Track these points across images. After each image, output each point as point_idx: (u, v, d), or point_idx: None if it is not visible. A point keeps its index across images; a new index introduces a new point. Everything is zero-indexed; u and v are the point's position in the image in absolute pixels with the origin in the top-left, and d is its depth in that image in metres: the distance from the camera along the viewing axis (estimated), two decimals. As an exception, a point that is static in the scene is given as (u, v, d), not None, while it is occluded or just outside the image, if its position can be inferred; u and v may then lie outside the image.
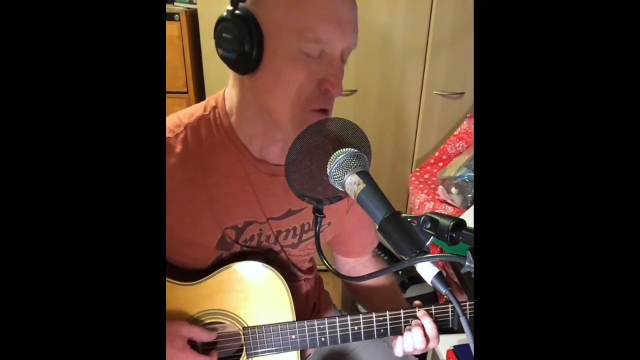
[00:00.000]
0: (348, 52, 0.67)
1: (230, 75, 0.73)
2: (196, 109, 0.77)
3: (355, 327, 0.79)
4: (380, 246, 1.75)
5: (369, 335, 0.80)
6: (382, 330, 0.79)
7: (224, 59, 0.67)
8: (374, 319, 0.79)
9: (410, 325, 0.79)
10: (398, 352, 0.79)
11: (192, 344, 0.76)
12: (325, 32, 0.61)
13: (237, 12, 0.63)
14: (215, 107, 0.75)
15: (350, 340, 0.80)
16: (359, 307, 1.57)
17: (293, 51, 0.62)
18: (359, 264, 1.01)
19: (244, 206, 0.77)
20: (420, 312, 0.79)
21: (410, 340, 0.77)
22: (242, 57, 0.64)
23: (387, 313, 0.79)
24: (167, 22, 1.64)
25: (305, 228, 0.85)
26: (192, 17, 1.72)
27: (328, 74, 0.64)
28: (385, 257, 1.70)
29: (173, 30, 1.67)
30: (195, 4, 1.73)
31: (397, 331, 0.80)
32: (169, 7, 1.75)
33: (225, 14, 0.64)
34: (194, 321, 0.78)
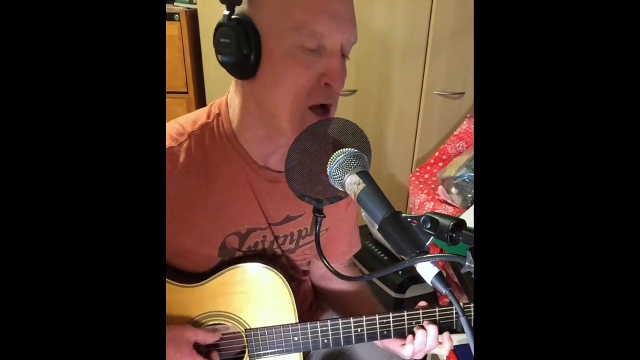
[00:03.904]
0: (349, 46, 0.66)
1: (232, 82, 0.73)
2: (199, 116, 0.76)
3: (359, 329, 0.79)
4: (380, 246, 1.75)
5: (372, 337, 0.79)
6: (385, 332, 0.79)
7: (223, 64, 0.67)
8: (377, 321, 0.78)
9: (417, 325, 0.78)
10: (407, 353, 0.78)
11: (196, 347, 0.75)
12: (321, 25, 0.62)
13: (233, 16, 0.63)
14: (218, 114, 0.75)
15: (354, 342, 0.79)
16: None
17: (290, 48, 0.62)
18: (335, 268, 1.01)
19: (247, 212, 0.77)
20: (425, 322, 0.78)
21: (423, 338, 0.76)
22: (241, 61, 0.64)
23: (390, 315, 0.78)
24: (167, 22, 1.64)
25: (302, 234, 0.86)
26: (192, 17, 1.72)
27: (327, 68, 0.64)
28: (385, 257, 1.70)
29: (173, 30, 1.66)
30: (195, 4, 1.73)
31: (401, 333, 0.79)
32: (169, 7, 1.74)
33: (222, 19, 0.65)
34: (196, 323, 0.78)
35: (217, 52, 0.67)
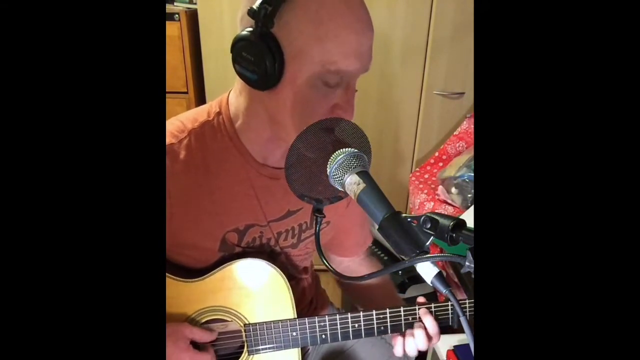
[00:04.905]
0: (359, 75, 0.68)
1: (237, 82, 0.73)
2: (199, 114, 0.77)
3: (356, 325, 0.80)
4: (380, 246, 1.75)
5: (369, 332, 0.80)
6: (382, 328, 0.80)
7: (241, 76, 0.66)
8: (374, 317, 0.79)
9: (412, 324, 0.79)
10: (398, 351, 0.79)
11: (194, 343, 0.76)
12: (347, 65, 0.63)
13: (261, 34, 0.62)
14: (219, 113, 0.76)
15: (351, 337, 0.80)
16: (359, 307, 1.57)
17: (312, 78, 0.63)
18: (354, 262, 1.02)
19: (246, 209, 0.78)
20: (422, 311, 0.79)
21: (413, 343, 0.77)
22: (262, 78, 0.64)
23: (387, 310, 0.79)
24: (167, 22, 1.64)
25: (303, 227, 0.86)
26: (192, 17, 1.72)
27: (342, 100, 0.65)
28: (385, 257, 1.70)
29: (173, 30, 1.67)
30: (195, 4, 1.73)
31: (397, 328, 0.80)
32: (169, 7, 1.74)
33: (246, 33, 0.63)
34: (195, 318, 0.79)
35: (235, 62, 0.66)
